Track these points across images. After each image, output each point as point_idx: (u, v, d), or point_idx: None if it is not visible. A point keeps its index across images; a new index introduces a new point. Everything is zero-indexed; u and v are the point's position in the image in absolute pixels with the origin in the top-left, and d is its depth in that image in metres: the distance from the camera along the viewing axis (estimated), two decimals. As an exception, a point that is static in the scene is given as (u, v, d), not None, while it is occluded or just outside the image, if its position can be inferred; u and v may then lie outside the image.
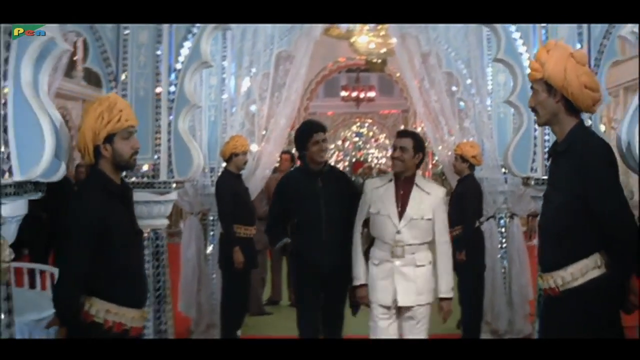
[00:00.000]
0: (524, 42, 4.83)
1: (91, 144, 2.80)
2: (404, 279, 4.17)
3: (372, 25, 8.04)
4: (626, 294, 2.73)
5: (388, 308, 4.22)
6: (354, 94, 19.57)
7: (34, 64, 2.59)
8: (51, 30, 2.60)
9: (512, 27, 4.81)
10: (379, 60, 13.74)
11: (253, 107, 6.92)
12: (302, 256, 4.74)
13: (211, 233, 6.72)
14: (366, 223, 4.38)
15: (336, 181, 4.81)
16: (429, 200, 4.22)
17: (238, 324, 6.29)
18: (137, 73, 4.64)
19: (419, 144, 4.26)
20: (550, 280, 2.81)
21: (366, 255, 4.37)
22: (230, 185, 6.09)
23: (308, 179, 4.73)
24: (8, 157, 2.57)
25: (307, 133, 4.71)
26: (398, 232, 4.16)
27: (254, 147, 6.71)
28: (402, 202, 4.20)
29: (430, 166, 17.32)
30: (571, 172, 2.76)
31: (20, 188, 2.59)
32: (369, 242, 4.39)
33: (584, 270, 2.71)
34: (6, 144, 2.56)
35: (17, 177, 2.58)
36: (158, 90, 4.62)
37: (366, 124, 23.32)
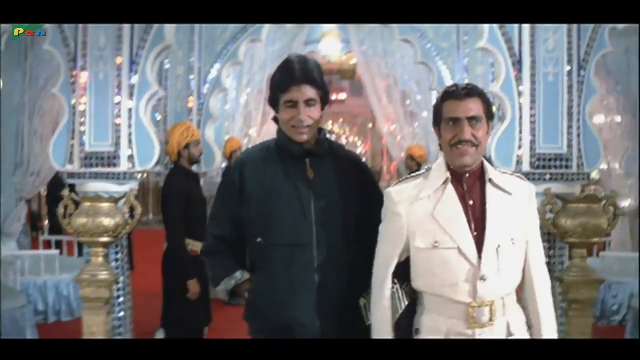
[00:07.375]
0: (451, 77, 6.84)
1: (176, 149, 4.66)
2: None
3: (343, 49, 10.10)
4: None
5: None
6: (326, 96, 21.22)
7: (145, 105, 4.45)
8: (152, 79, 4.46)
9: (443, 67, 6.79)
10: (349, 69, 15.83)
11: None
12: (264, 311, 2.55)
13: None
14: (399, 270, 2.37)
15: (341, 169, 2.61)
16: (515, 207, 2.33)
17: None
18: (175, 95, 6.55)
19: (489, 105, 2.35)
20: None
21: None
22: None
23: (285, 163, 2.57)
24: (132, 156, 4.43)
25: (278, 85, 2.54)
26: (482, 278, 2.22)
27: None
28: (474, 218, 2.27)
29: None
30: None
31: (139, 173, 4.46)
32: (404, 304, 2.37)
33: None
34: (131, 148, 4.42)
35: (138, 167, 4.44)
36: (190, 106, 6.54)
37: (337, 123, 25.08)
